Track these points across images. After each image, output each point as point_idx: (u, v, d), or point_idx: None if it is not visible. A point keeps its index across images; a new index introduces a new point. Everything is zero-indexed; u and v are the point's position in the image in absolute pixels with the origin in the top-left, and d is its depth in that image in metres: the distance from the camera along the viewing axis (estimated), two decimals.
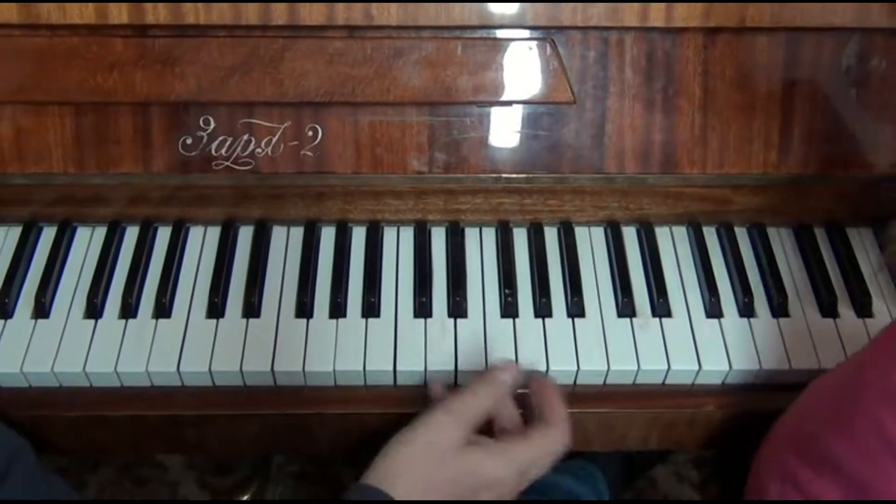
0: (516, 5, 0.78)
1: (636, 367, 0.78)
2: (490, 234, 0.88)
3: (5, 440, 0.66)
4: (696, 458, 1.48)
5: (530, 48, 0.79)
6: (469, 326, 0.81)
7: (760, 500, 0.65)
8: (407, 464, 0.65)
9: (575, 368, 0.78)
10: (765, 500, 0.65)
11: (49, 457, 0.69)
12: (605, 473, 1.18)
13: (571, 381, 0.79)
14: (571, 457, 1.21)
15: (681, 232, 0.88)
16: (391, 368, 0.78)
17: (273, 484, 1.42)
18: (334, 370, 0.77)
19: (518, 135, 0.82)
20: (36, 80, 0.79)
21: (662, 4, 0.78)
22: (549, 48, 0.79)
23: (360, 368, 0.78)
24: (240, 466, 1.46)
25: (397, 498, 0.63)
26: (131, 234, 0.87)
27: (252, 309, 0.81)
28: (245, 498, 1.40)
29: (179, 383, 0.79)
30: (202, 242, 0.87)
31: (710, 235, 0.87)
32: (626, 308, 0.82)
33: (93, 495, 1.39)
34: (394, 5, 0.77)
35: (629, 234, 0.88)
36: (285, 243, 0.86)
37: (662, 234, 0.88)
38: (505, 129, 0.82)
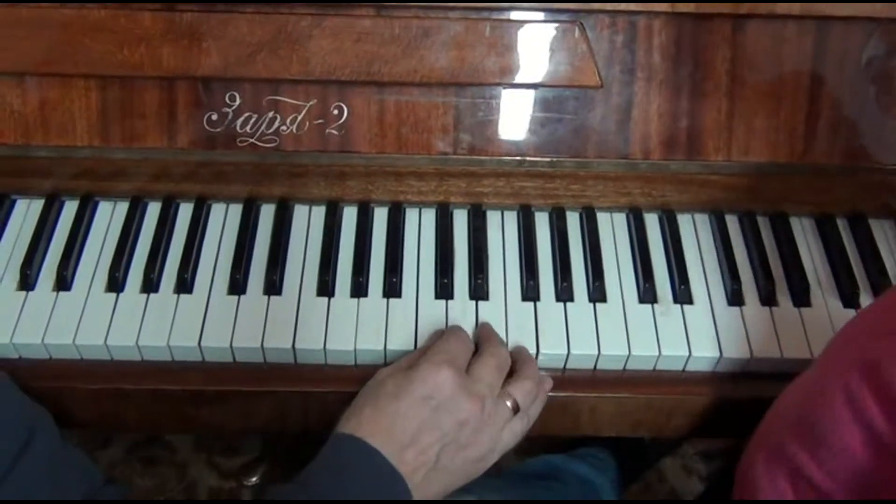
0: None
1: (657, 353, 0.78)
2: (512, 218, 0.87)
3: (27, 409, 0.66)
4: (705, 450, 1.48)
5: (558, 31, 0.79)
6: (490, 309, 0.80)
7: (745, 493, 0.66)
8: (354, 405, 0.69)
9: (596, 353, 0.78)
10: (767, 501, 0.65)
11: (61, 432, 0.69)
12: (618, 462, 1.19)
13: (592, 366, 0.79)
14: (586, 444, 1.22)
15: (703, 219, 0.88)
16: (412, 349, 0.78)
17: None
18: (355, 349, 0.78)
19: (543, 118, 0.82)
20: (62, 52, 0.79)
21: None
22: (577, 31, 0.79)
23: (381, 348, 0.78)
24: (249, 448, 1.47)
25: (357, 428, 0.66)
26: (153, 210, 0.87)
27: (274, 286, 0.81)
28: (254, 480, 1.41)
29: (200, 358, 0.79)
30: (224, 219, 0.87)
31: (733, 223, 0.87)
32: (647, 294, 0.82)
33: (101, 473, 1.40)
34: None
35: (651, 221, 0.87)
36: (307, 222, 0.86)
37: (685, 221, 0.87)
38: (530, 112, 0.82)
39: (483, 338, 0.77)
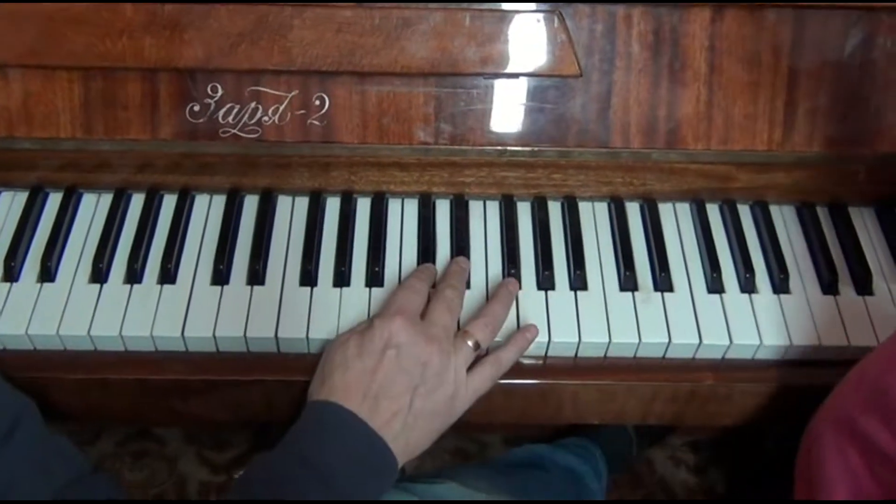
0: None
1: (637, 340, 0.79)
2: (494, 208, 0.88)
3: (12, 398, 0.66)
4: (693, 441, 1.49)
5: (538, 20, 0.80)
6: (472, 297, 0.81)
7: (809, 464, 0.65)
8: (323, 372, 0.72)
9: (577, 340, 0.79)
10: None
11: (49, 424, 0.70)
12: (604, 452, 1.19)
13: (573, 353, 0.80)
14: (572, 434, 1.23)
15: (684, 208, 0.88)
16: None
17: None
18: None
19: (524, 107, 0.82)
20: (45, 44, 0.79)
21: None
22: (556, 21, 0.80)
23: None
24: (239, 441, 1.47)
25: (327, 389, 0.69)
26: (137, 201, 0.87)
27: (256, 276, 0.81)
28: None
29: (184, 348, 0.79)
30: (208, 210, 0.87)
31: (713, 212, 0.88)
32: (628, 282, 0.82)
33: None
34: None
35: (633, 210, 0.88)
36: (290, 213, 0.87)
37: (666, 210, 0.88)
38: (511, 102, 0.82)
39: (441, 279, 0.79)
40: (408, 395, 0.69)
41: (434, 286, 0.79)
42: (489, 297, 0.80)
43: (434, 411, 0.70)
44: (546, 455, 1.05)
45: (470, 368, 0.74)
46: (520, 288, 0.82)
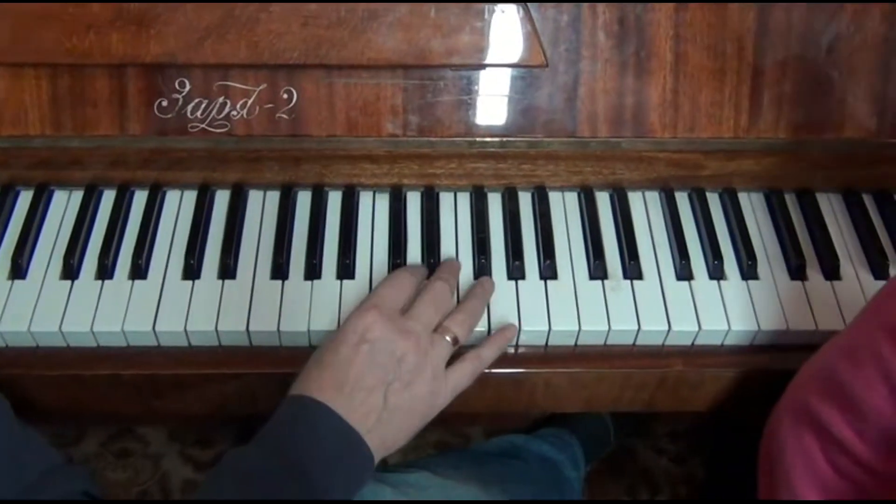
0: None
1: (607, 328, 0.79)
2: (464, 199, 0.88)
3: None
4: (673, 431, 1.50)
5: (503, 11, 0.80)
6: None
7: (772, 453, 0.66)
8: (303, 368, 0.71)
9: (547, 329, 0.79)
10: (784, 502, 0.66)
11: (28, 422, 0.70)
12: (581, 442, 1.20)
13: (543, 342, 0.80)
14: (548, 424, 1.24)
15: (653, 197, 0.89)
16: None
17: None
18: (309, 330, 0.78)
19: (491, 98, 0.83)
20: (12, 41, 0.79)
21: None
22: (521, 11, 0.80)
23: (335, 328, 0.78)
24: (222, 439, 1.47)
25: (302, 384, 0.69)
26: (108, 198, 0.87)
27: (228, 270, 0.82)
28: None
29: (155, 343, 0.79)
30: (179, 206, 0.87)
31: (682, 200, 0.88)
32: (597, 270, 0.83)
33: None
34: None
35: (602, 199, 0.88)
36: (261, 207, 0.87)
37: (635, 198, 0.89)
38: (478, 93, 0.83)
39: (436, 271, 0.79)
40: (382, 388, 0.68)
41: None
42: (464, 293, 0.80)
43: (411, 407, 0.70)
44: (522, 444, 1.06)
45: (449, 364, 0.73)
46: (490, 276, 0.82)
